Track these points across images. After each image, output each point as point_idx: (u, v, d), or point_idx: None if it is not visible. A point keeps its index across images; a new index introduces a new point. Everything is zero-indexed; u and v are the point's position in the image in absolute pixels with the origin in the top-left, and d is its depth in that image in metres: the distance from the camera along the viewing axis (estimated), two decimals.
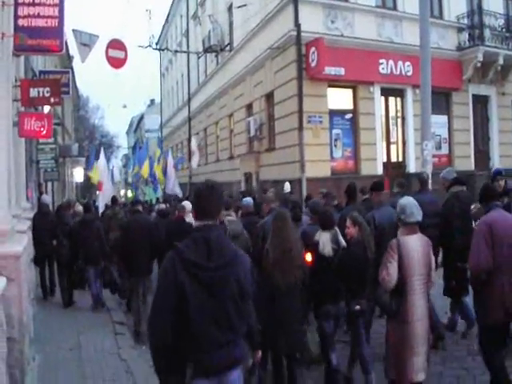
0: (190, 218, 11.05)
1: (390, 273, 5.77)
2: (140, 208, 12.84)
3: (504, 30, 24.88)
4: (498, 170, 10.21)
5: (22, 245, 7.62)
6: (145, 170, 33.02)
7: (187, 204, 11.78)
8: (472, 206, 8.67)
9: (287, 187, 16.81)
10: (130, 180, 41.41)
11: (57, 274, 14.25)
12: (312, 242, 7.17)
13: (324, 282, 6.88)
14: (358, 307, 6.97)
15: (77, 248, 13.22)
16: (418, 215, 6.01)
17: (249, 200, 10.67)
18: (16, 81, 11.56)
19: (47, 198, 16.73)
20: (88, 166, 32.46)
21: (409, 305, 5.80)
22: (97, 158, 27.88)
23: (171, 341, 3.91)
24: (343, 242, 7.08)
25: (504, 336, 6.47)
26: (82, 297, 13.82)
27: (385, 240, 6.83)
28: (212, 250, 3.98)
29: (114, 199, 18.65)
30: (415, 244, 5.89)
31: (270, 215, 8.59)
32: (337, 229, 7.23)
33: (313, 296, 6.87)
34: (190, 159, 32.97)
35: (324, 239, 7.03)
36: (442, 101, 23.92)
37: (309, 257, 7.13)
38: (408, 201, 6.16)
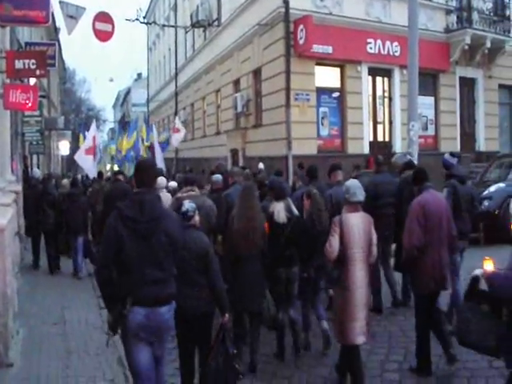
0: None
1: (332, 245, 6.39)
2: (121, 177, 13.46)
3: (492, 13, 25.00)
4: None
5: (6, 218, 7.62)
6: (130, 143, 32.92)
7: (160, 180, 11.73)
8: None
9: (261, 166, 17.14)
10: (114, 154, 41.18)
11: (44, 242, 14.90)
12: (268, 213, 7.79)
13: (278, 248, 7.54)
14: (305, 274, 7.88)
15: (61, 218, 14.07)
16: (360, 195, 6.58)
17: (218, 176, 11.05)
18: (1, 52, 11.48)
19: (37, 172, 17.91)
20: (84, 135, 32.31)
21: (349, 274, 6.39)
22: (86, 130, 28.45)
23: (114, 279, 5.06)
24: (295, 211, 7.82)
25: (434, 304, 7.23)
26: (66, 264, 14.33)
27: None
28: (145, 209, 5.12)
29: (100, 173, 19.25)
30: (356, 221, 6.48)
31: (232, 187, 9.95)
32: (289, 199, 7.98)
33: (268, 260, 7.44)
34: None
35: (278, 208, 7.72)
36: (429, 82, 23.99)
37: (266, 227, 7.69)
38: (352, 182, 6.79)
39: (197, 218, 6.40)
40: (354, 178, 9.53)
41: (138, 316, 5.01)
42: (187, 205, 6.39)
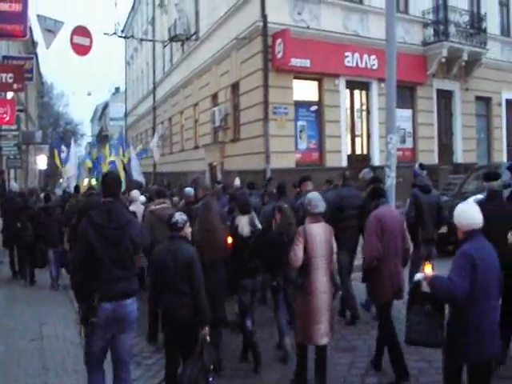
0: (133, 206, 11.98)
1: (297, 253, 6.81)
2: (94, 191, 13.89)
3: (468, 26, 25.22)
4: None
5: None
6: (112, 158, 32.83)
7: (134, 193, 13.30)
8: None
9: (237, 182, 17.09)
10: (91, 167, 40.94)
11: (19, 254, 15.41)
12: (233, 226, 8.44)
13: (242, 259, 8.00)
14: (274, 283, 8.38)
15: (39, 231, 14.34)
16: (321, 207, 7.05)
17: (189, 190, 11.65)
18: None
19: (15, 186, 18.49)
20: (59, 155, 32.63)
21: (312, 280, 6.87)
22: (61, 145, 29.10)
23: (85, 279, 5.83)
24: (259, 225, 8.44)
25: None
26: (43, 276, 14.37)
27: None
28: (112, 216, 5.92)
29: (77, 188, 19.21)
30: (318, 231, 6.95)
31: (201, 201, 9.89)
32: (253, 213, 8.59)
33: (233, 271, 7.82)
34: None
35: (243, 222, 8.33)
36: (406, 95, 24.17)
37: (229, 239, 8.26)
38: (313, 195, 7.24)
39: (187, 229, 6.72)
40: (325, 190, 11.21)
41: (106, 310, 5.76)
42: (178, 216, 6.66)
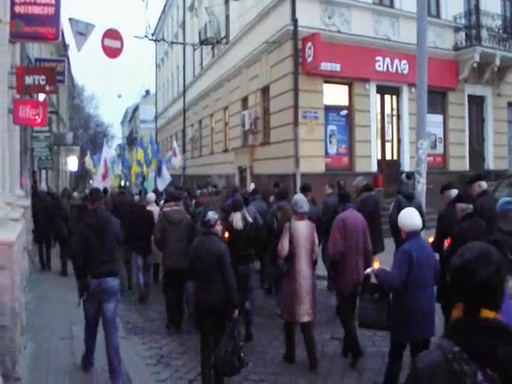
0: (150, 207, 13.97)
1: (283, 245, 8.28)
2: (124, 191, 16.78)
3: (501, 30, 24.91)
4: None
5: (15, 233, 7.61)
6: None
7: (151, 196, 15.13)
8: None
9: (251, 187, 18.87)
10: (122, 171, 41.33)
11: (60, 249, 16.93)
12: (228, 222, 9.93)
13: (237, 249, 9.23)
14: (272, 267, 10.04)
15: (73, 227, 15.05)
16: (305, 207, 8.49)
17: (197, 192, 14.46)
18: (11, 68, 11.52)
19: (44, 186, 20.48)
20: (93, 161, 33.65)
21: (296, 268, 8.29)
22: (95, 150, 30.21)
23: (82, 262, 7.94)
24: (250, 219, 9.92)
25: (353, 303, 8.42)
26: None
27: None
28: (97, 218, 8.13)
29: (105, 189, 20.42)
30: (302, 227, 8.40)
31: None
32: (244, 209, 10.06)
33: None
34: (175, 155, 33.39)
35: (236, 217, 9.88)
36: (437, 100, 23.97)
37: (226, 234, 9.60)
38: (299, 197, 8.85)
39: (218, 227, 7.80)
40: (328, 195, 13.31)
41: (94, 284, 7.83)
42: (210, 215, 7.70)
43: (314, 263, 8.63)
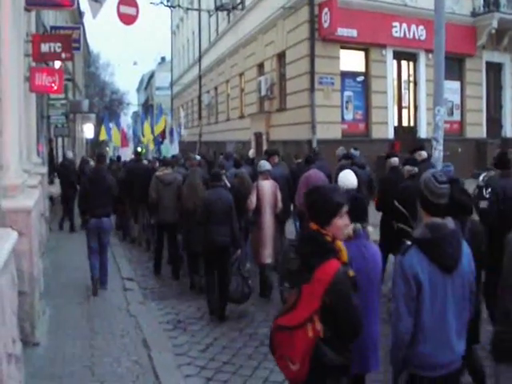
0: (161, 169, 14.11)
1: (252, 200, 10.08)
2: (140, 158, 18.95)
3: None
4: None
5: (32, 200, 7.68)
6: (160, 127, 33.81)
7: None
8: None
9: (251, 152, 20.04)
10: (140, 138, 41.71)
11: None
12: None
13: None
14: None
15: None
16: (267, 166, 10.54)
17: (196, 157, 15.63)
18: (27, 36, 11.54)
19: (70, 153, 21.95)
20: (107, 130, 35.00)
21: (261, 219, 10.16)
22: (111, 120, 31.93)
23: (85, 204, 10.77)
24: (228, 184, 11.03)
25: None
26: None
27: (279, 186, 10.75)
28: (98, 172, 11.12)
29: (118, 157, 24.68)
30: (267, 185, 10.26)
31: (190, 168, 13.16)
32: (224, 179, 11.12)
33: None
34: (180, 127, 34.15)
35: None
36: (455, 67, 23.69)
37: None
38: (263, 162, 10.89)
39: (226, 181, 10.73)
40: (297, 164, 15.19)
41: (92, 222, 10.60)
42: (217, 170, 10.72)
43: (277, 215, 10.46)
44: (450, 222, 4.01)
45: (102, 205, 10.59)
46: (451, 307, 3.90)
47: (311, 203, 3.92)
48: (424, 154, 11.75)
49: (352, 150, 14.82)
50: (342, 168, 11.46)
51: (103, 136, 36.45)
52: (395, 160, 10.85)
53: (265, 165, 10.61)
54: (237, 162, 13.97)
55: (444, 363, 3.94)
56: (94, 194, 10.53)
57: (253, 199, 10.08)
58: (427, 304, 3.85)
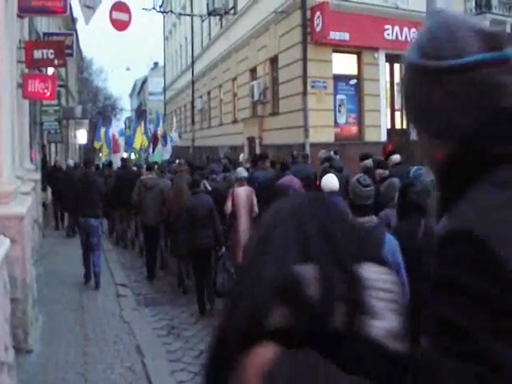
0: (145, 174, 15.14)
1: (228, 205, 10.50)
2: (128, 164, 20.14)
3: None
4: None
5: (25, 206, 7.67)
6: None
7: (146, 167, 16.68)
8: None
9: (241, 158, 20.84)
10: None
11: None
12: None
13: None
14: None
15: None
16: (243, 173, 11.33)
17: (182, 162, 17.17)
18: (20, 42, 11.54)
19: (71, 161, 24.05)
20: (96, 135, 36.01)
21: (237, 223, 10.50)
22: (104, 125, 33.02)
23: (74, 206, 12.53)
24: (209, 188, 12.22)
25: None
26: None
27: (261, 190, 11.30)
28: (87, 176, 12.37)
29: (110, 163, 24.84)
30: (242, 192, 10.64)
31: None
32: (204, 180, 12.66)
33: None
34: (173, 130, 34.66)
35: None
36: None
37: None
38: (240, 169, 11.79)
39: (206, 185, 12.16)
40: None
41: (81, 221, 11.84)
42: (196, 177, 11.88)
43: (253, 219, 10.66)
44: (372, 220, 4.78)
45: (91, 205, 11.72)
46: None
47: None
48: (397, 157, 12.13)
49: (332, 154, 15.43)
50: (324, 171, 12.29)
51: (97, 145, 37.74)
52: (370, 162, 11.80)
53: (241, 172, 11.47)
54: (225, 167, 15.31)
55: None
56: (83, 196, 11.77)
57: (228, 205, 10.64)
58: None
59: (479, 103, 1.28)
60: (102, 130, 35.39)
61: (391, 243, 4.32)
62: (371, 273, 1.13)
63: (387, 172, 10.08)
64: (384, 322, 1.08)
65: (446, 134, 1.32)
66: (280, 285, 1.10)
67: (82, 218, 11.78)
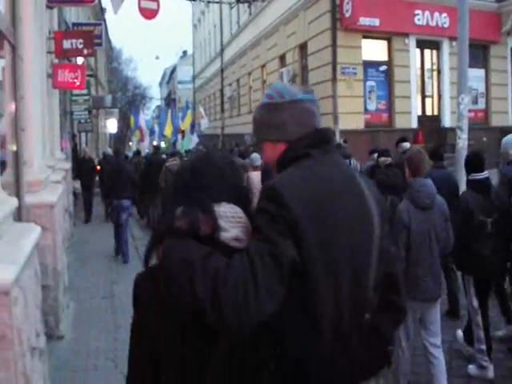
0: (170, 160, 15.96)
1: None
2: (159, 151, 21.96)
3: None
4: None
5: (56, 195, 7.71)
6: (186, 124, 34.65)
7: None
8: None
9: (247, 139, 21.82)
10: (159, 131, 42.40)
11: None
12: None
13: None
14: None
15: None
16: (258, 161, 11.27)
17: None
18: (50, 33, 11.59)
19: (109, 150, 25.19)
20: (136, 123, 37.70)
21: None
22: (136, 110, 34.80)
23: (108, 189, 14.90)
24: None
25: None
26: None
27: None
28: (118, 163, 14.37)
29: (138, 151, 26.92)
30: (257, 176, 10.31)
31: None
32: None
33: None
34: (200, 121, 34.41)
35: None
36: (479, 54, 23.41)
37: None
38: (255, 155, 11.85)
39: None
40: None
41: (115, 202, 13.22)
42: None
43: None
44: None
45: (122, 189, 13.12)
46: None
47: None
48: (406, 145, 11.96)
49: (342, 142, 16.01)
50: None
51: (132, 124, 40.85)
52: (407, 145, 11.88)
53: (256, 159, 11.59)
54: (241, 153, 15.83)
55: None
56: (116, 181, 13.31)
57: None
58: None
59: (301, 122, 2.37)
60: (132, 118, 36.05)
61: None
62: (225, 208, 2.09)
63: (389, 159, 10.52)
64: (229, 233, 2.05)
65: (284, 139, 2.35)
66: (172, 215, 2.07)
67: (115, 199, 13.25)
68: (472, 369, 6.18)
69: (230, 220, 2.07)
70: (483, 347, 6.08)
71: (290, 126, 2.33)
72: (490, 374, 6.00)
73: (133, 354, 2.33)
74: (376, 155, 11.52)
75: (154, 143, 34.01)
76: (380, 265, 2.30)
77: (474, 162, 6.46)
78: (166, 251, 2.00)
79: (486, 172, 6.36)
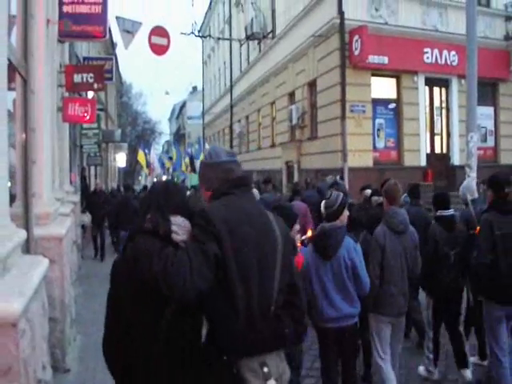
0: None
1: None
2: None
3: None
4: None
5: (64, 227, 7.71)
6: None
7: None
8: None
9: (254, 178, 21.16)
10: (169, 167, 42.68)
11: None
12: None
13: None
14: None
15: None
16: (257, 195, 11.19)
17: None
18: (61, 67, 11.68)
19: (114, 185, 25.30)
20: (145, 151, 38.56)
21: None
22: (145, 147, 35.85)
23: (114, 222, 17.81)
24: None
25: None
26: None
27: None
28: (127, 199, 17.54)
29: (145, 187, 28.30)
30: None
31: None
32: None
33: None
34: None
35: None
36: (488, 92, 23.48)
37: None
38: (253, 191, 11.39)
39: None
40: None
41: (122, 234, 15.98)
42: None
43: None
44: (337, 224, 5.82)
45: (129, 222, 14.27)
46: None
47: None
48: (368, 192, 12.09)
49: (338, 179, 16.48)
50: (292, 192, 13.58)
51: (142, 160, 41.57)
52: (369, 192, 11.84)
53: (255, 194, 12.11)
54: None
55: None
56: (123, 214, 15.44)
57: None
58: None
59: (223, 176, 3.20)
60: (141, 154, 36.29)
61: (348, 244, 5.70)
62: (177, 219, 2.99)
63: (381, 199, 10.46)
64: (180, 237, 2.94)
65: (211, 188, 3.26)
66: (144, 219, 3.03)
67: (122, 231, 15.23)
68: (421, 370, 7.21)
69: (182, 228, 2.98)
70: (431, 356, 7.10)
71: (215, 180, 3.24)
72: (435, 377, 7.07)
73: (109, 319, 3.51)
74: (368, 192, 11.59)
75: (163, 178, 34.16)
76: (283, 274, 3.13)
77: (441, 201, 7.43)
78: (136, 243, 2.91)
79: (451, 210, 7.33)
